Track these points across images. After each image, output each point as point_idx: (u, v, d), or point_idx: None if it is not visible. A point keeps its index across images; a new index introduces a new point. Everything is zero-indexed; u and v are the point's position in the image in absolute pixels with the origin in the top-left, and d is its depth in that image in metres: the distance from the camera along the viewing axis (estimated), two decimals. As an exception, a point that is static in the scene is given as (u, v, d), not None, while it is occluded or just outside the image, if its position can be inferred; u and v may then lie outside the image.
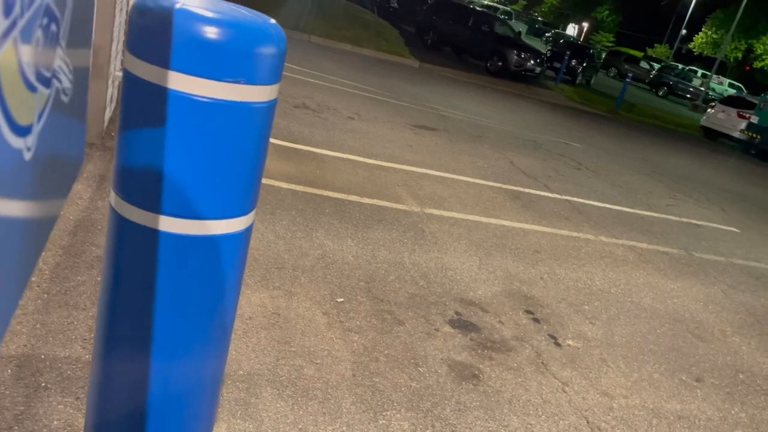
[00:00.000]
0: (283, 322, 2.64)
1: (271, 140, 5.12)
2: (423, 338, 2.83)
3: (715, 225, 6.86)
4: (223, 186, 0.98)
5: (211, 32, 0.91)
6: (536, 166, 7.15)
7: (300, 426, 2.08)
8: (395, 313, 2.98)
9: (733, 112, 17.13)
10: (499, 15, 23.25)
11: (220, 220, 0.99)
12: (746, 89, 34.74)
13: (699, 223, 6.73)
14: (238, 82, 0.93)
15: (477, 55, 17.28)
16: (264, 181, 4.15)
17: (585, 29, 55.23)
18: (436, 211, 4.57)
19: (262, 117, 0.99)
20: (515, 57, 16.53)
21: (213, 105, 0.93)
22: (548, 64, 19.62)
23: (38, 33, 0.63)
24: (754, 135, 15.93)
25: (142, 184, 0.97)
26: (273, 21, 1.02)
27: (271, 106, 1.01)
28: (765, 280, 5.27)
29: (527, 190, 5.94)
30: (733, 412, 2.99)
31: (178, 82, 0.91)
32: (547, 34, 39.61)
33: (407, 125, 7.38)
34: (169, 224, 0.96)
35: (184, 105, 0.92)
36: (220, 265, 1.02)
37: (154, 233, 0.96)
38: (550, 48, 25.01)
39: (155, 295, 0.99)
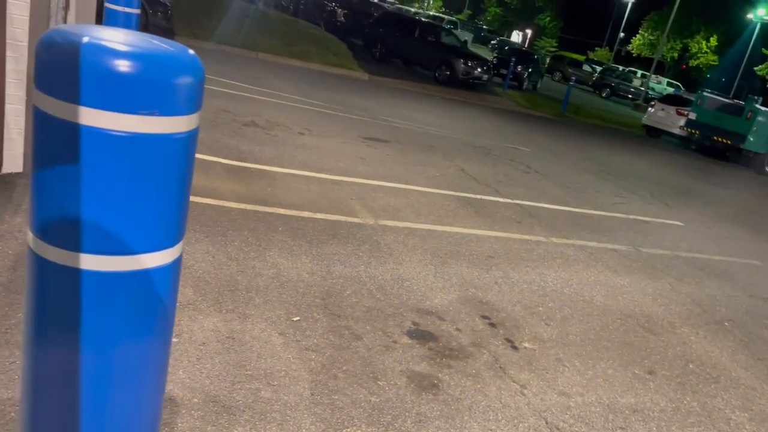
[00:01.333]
0: (238, 346, 2.60)
1: (220, 160, 5.06)
2: (381, 351, 2.83)
3: (660, 220, 7.10)
4: (146, 219, 0.96)
5: (121, 65, 0.89)
6: (487, 172, 7.27)
7: (259, 451, 2.05)
8: (353, 328, 2.98)
9: (672, 109, 17.83)
10: (444, 25, 23.63)
11: (144, 254, 0.97)
12: (684, 87, 36.22)
13: (645, 219, 6.95)
14: (153, 114, 0.92)
15: (425, 66, 17.50)
16: (214, 202, 4.10)
17: (529, 35, 56.68)
18: (390, 223, 4.59)
19: (182, 147, 0.98)
20: (462, 66, 16.81)
21: (128, 138, 0.91)
22: (495, 71, 20.01)
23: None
24: (693, 131, 16.61)
25: (60, 223, 0.94)
26: (191, 51, 1.01)
27: (191, 136, 0.99)
28: (709, 270, 5.48)
29: (479, 197, 6.03)
30: (685, 401, 3.09)
31: (90, 117, 0.89)
32: (492, 42, 40.45)
33: (359, 138, 7.40)
34: (91, 262, 0.94)
35: (98, 140, 0.90)
36: (148, 299, 0.99)
37: (76, 272, 0.93)
38: (496, 55, 25.54)
39: (82, 336, 0.96)
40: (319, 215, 4.37)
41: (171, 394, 2.20)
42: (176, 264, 1.05)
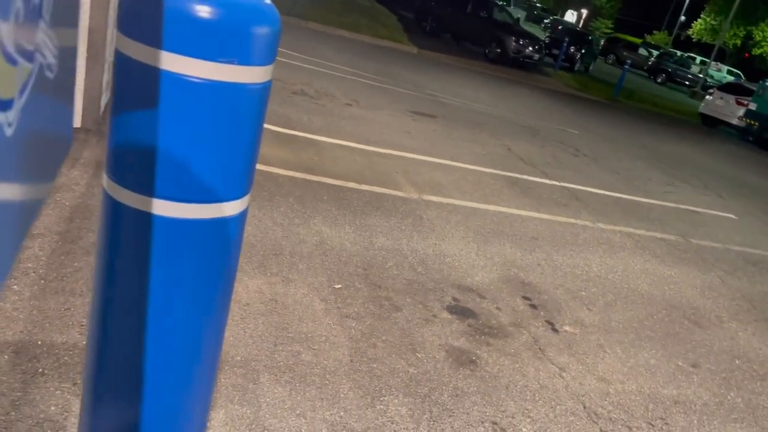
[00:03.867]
0: (281, 309, 2.63)
1: (269, 126, 5.10)
2: (421, 324, 2.83)
3: (712, 212, 6.86)
4: (217, 168, 0.96)
5: (202, 11, 0.89)
6: (534, 153, 7.13)
7: (298, 411, 2.08)
8: (393, 299, 2.98)
9: (731, 99, 17.07)
10: (497, 1, 23.12)
11: (215, 203, 0.97)
12: (745, 76, 34.62)
13: (697, 209, 6.73)
14: (231, 63, 0.91)
15: (476, 42, 17.16)
16: (262, 167, 4.14)
17: (584, 15, 54.94)
18: (434, 198, 4.56)
19: (256, 98, 0.98)
20: (514, 44, 16.42)
21: (205, 85, 0.92)
22: (547, 51, 19.50)
23: (17, 3, 0.61)
24: (752, 122, 15.89)
25: (135, 167, 0.95)
26: (269, 1, 1.01)
27: (265, 87, 0.99)
28: (762, 266, 5.29)
29: (525, 177, 5.93)
30: (729, 397, 3.01)
31: (170, 62, 0.89)
32: (545, 21, 39.39)
33: (406, 112, 7.34)
34: (163, 208, 0.95)
35: (177, 85, 0.90)
36: (215, 249, 1.00)
37: (149, 217, 0.95)
38: (548, 34, 24.87)
39: (151, 281, 0.98)
40: (364, 186, 4.37)
41: (215, 350, 2.26)
42: (242, 216, 1.06)
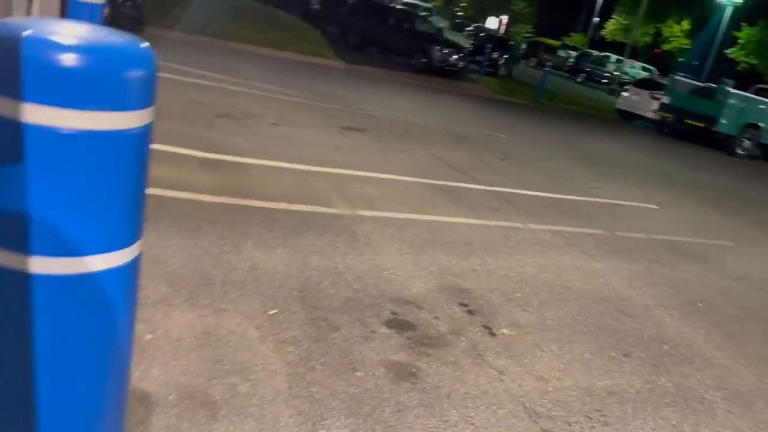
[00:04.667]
0: (214, 341, 2.57)
1: (194, 153, 4.99)
2: (360, 342, 2.82)
3: (635, 204, 7.19)
4: (96, 219, 0.92)
5: (65, 59, 0.85)
6: (463, 159, 7.28)
7: (236, 446, 2.03)
8: (330, 319, 2.96)
9: (645, 93, 18.00)
10: (419, 12, 23.52)
11: (96, 255, 0.93)
12: (657, 71, 36.58)
13: (621, 203, 7.03)
14: (103, 110, 0.88)
15: (401, 53, 17.41)
16: (187, 195, 4.04)
17: (504, 22, 56.69)
18: (367, 212, 4.57)
19: (134, 143, 0.94)
20: (438, 53, 16.77)
21: (76, 136, 0.87)
22: (471, 58, 19.99)
23: None
24: (666, 114, 16.79)
25: (7, 224, 0.90)
26: (143, 43, 0.98)
27: (144, 131, 0.96)
28: (682, 252, 5.57)
29: (456, 184, 6.04)
30: (660, 382, 3.14)
31: (34, 114, 0.84)
32: (468, 28, 40.38)
33: (335, 127, 7.35)
34: (40, 265, 0.90)
35: (46, 138, 0.85)
36: (99, 303, 0.96)
37: (25, 276, 0.90)
38: (472, 42, 25.50)
39: (33, 344, 0.92)
40: (295, 206, 4.33)
41: (145, 391, 2.17)
42: (131, 266, 1.01)
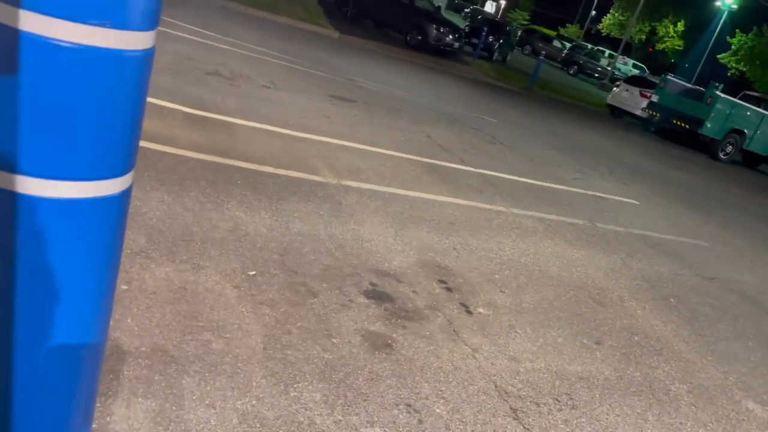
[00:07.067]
0: (191, 297, 2.54)
1: (181, 108, 4.89)
2: (337, 309, 2.81)
3: (617, 198, 7.25)
4: (89, 143, 0.88)
5: (67, -36, 0.80)
6: (452, 140, 7.25)
7: (207, 401, 2.01)
8: (309, 285, 2.94)
9: (636, 91, 18.10)
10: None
11: (87, 181, 0.89)
12: (648, 70, 36.77)
13: (603, 195, 7.08)
14: (104, 25, 0.83)
15: (397, 29, 17.22)
16: (171, 150, 3.96)
17: (502, 6, 56.29)
18: (353, 183, 4.53)
19: (135, 67, 0.89)
20: (435, 31, 16.61)
21: (74, 50, 0.82)
22: (466, 40, 19.87)
23: None
24: (654, 113, 16.91)
25: (-5, 140, 0.85)
26: None
27: (145, 56, 0.91)
28: (659, 248, 5.64)
29: (443, 164, 6.02)
30: (628, 371, 3.19)
31: (32, 22, 0.79)
32: (466, 10, 40.06)
33: (325, 96, 7.26)
34: (27, 185, 0.86)
35: (40, 49, 0.80)
36: (89, 230, 0.92)
37: (11, 195, 0.85)
38: (468, 24, 25.31)
39: (16, 265, 0.88)
40: (280, 171, 4.28)
41: (118, 341, 2.14)
42: (122, 196, 0.97)
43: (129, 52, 0.87)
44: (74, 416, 1.13)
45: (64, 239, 0.90)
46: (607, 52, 38.58)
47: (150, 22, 0.89)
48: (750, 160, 17.30)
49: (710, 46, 38.96)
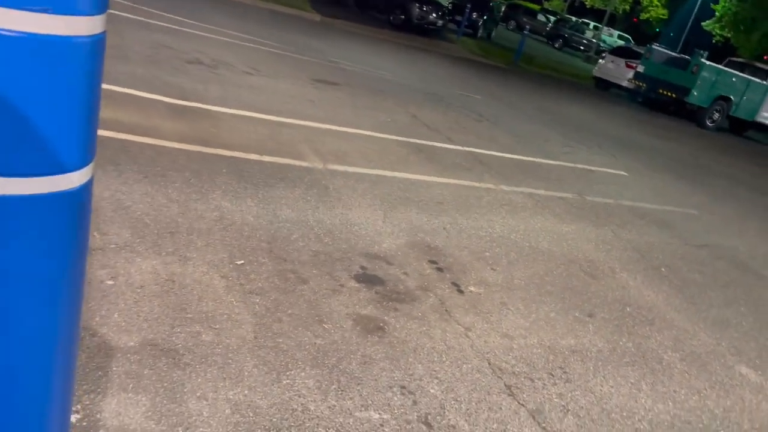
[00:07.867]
0: (178, 289, 2.51)
1: (161, 98, 4.81)
2: (328, 295, 2.80)
3: (606, 170, 7.25)
4: (37, 136, 0.83)
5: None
6: (438, 119, 7.21)
7: (198, 393, 2.00)
8: (299, 271, 2.92)
9: (621, 62, 18.06)
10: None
11: (40, 177, 0.85)
12: (633, 40, 36.65)
13: (592, 168, 7.08)
14: (45, 11, 0.79)
15: (380, 9, 17.05)
16: (153, 141, 3.90)
17: (485, -18, 55.75)
18: (339, 167, 4.50)
19: (83, 54, 0.85)
20: (417, 10, 16.47)
21: (13, 39, 0.78)
22: (450, 18, 19.69)
23: None
24: (640, 83, 16.88)
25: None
26: None
27: (94, 42, 0.87)
28: (649, 218, 5.66)
29: (430, 143, 5.98)
30: (621, 342, 3.20)
31: None
32: (448, -13, 39.64)
33: (308, 80, 7.18)
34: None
35: None
36: (49, 226, 0.88)
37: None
38: (451, 1, 25.06)
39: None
40: (266, 158, 4.23)
41: (105, 337, 2.12)
42: (84, 189, 0.93)
43: (76, 38, 0.83)
44: (51, 414, 1.10)
45: (20, 237, 0.87)
46: (592, 24, 38.42)
47: (98, 5, 0.85)
48: (736, 127, 17.36)
49: (694, 13, 38.84)
